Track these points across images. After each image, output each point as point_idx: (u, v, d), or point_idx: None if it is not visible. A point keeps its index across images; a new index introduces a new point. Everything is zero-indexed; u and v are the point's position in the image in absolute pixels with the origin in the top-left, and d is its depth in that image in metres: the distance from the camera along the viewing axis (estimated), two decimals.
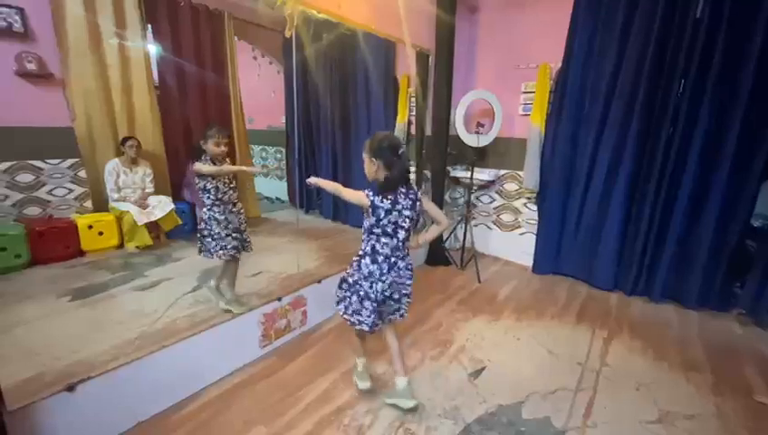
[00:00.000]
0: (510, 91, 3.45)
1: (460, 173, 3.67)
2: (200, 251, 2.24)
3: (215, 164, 2.13)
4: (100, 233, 3.15)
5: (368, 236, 1.58)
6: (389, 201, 1.50)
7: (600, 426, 1.70)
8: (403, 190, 1.53)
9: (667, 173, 2.78)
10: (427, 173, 3.59)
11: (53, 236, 2.93)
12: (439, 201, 3.53)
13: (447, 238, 3.77)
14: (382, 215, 1.50)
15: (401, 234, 1.56)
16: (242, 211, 2.32)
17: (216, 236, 2.17)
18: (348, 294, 1.65)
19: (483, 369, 2.07)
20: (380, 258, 1.56)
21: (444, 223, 1.66)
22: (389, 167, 1.50)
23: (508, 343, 2.33)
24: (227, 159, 2.26)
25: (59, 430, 1.38)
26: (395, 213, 1.51)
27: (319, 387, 1.89)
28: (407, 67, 3.55)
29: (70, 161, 3.18)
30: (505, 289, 3.11)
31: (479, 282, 3.22)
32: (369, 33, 2.77)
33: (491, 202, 3.81)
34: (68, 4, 2.92)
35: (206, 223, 2.18)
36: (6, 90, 2.76)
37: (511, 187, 3.65)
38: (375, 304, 1.58)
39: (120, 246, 3.25)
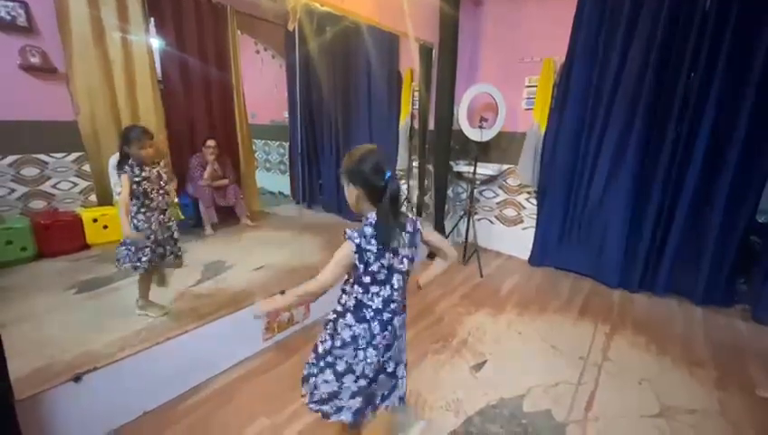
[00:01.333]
0: (513, 85, 3.43)
1: (463, 168, 3.66)
2: (117, 261, 2.09)
3: (142, 169, 1.99)
4: (105, 227, 3.17)
5: (351, 287, 1.16)
6: (374, 237, 1.10)
7: (602, 419, 1.71)
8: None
9: (672, 169, 2.77)
10: (430, 168, 3.58)
11: (59, 230, 2.96)
12: (442, 196, 3.52)
13: (450, 233, 3.76)
14: (372, 259, 1.10)
15: (397, 280, 1.16)
16: (172, 220, 2.18)
17: (132, 247, 2.03)
18: (314, 370, 1.20)
19: (485, 362, 2.07)
20: (369, 314, 1.15)
21: (452, 256, 1.29)
22: (373, 195, 1.11)
23: (510, 337, 2.33)
24: (161, 162, 2.13)
25: (66, 419, 1.40)
26: (388, 254, 1.12)
27: None
28: (410, 61, 3.53)
29: (74, 155, 3.20)
30: (508, 284, 3.12)
31: (481, 276, 3.23)
32: (372, 26, 2.76)
33: (494, 197, 3.80)
34: None
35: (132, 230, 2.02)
36: (11, 84, 2.77)
37: (513, 182, 3.64)
38: (363, 382, 1.17)
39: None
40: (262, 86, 5.17)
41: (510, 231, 3.75)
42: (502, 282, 3.15)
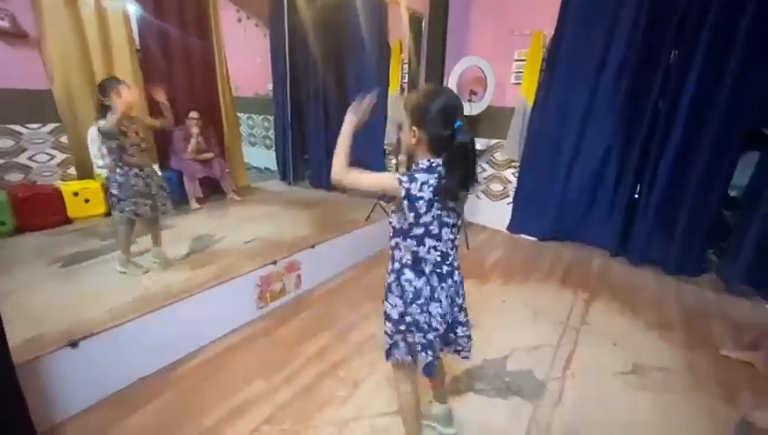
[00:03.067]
0: (503, 59, 3.43)
1: None
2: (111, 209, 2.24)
3: (122, 124, 2.05)
4: (87, 200, 3.09)
5: (402, 240, 1.09)
6: (432, 187, 1.00)
7: (579, 377, 1.83)
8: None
9: (652, 144, 2.86)
10: None
11: (38, 203, 2.87)
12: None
13: None
14: (423, 209, 1.03)
15: (448, 233, 1.08)
16: (152, 175, 2.26)
17: (117, 198, 2.16)
18: (398, 338, 1.16)
19: (472, 327, 2.17)
20: (428, 268, 1.10)
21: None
22: (436, 142, 1.01)
23: (495, 305, 2.43)
24: (136, 118, 2.19)
25: (64, 384, 1.43)
26: (437, 205, 1.03)
27: (315, 345, 1.97)
28: (399, 32, 3.48)
29: (50, 126, 3.08)
30: (493, 255, 3.21)
31: (467, 249, 3.26)
32: None
33: (481, 172, 3.85)
34: None
35: (109, 184, 2.17)
36: None
37: (501, 156, 3.69)
38: (431, 336, 1.11)
39: (109, 213, 3.21)
40: (244, 57, 5.00)
41: (496, 205, 3.83)
42: (487, 254, 3.24)
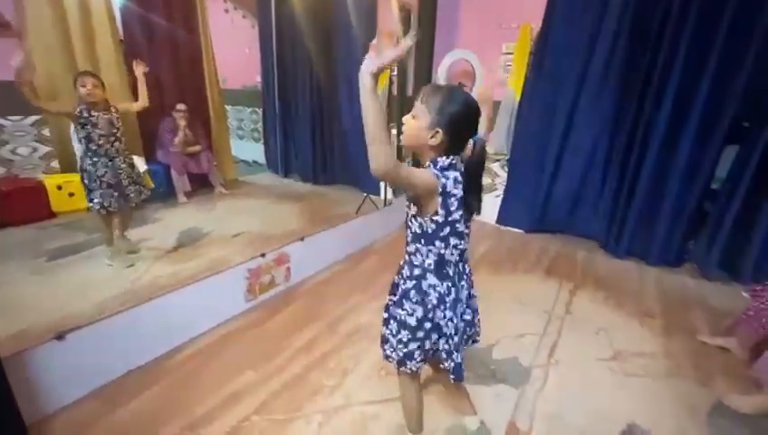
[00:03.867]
0: (491, 52, 3.44)
1: None
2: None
3: (90, 114, 2.13)
4: (71, 194, 3.05)
5: (426, 244, 1.04)
6: (460, 185, 1.00)
7: (562, 363, 1.88)
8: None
9: (636, 138, 2.91)
10: None
11: (21, 197, 2.83)
12: (418, 164, 3.57)
13: None
14: (454, 206, 1.00)
15: (466, 230, 1.08)
16: (122, 165, 2.29)
17: (87, 187, 2.21)
18: (414, 346, 1.10)
19: None
20: (451, 270, 1.08)
21: None
22: (456, 144, 0.99)
23: (482, 296, 2.45)
24: (113, 110, 2.25)
25: (53, 377, 1.42)
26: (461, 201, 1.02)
27: (305, 336, 1.99)
28: (389, 24, 3.46)
29: (32, 118, 3.02)
30: (481, 247, 3.26)
31: None
32: None
33: None
34: None
35: (83, 174, 2.23)
36: None
37: (489, 149, 3.72)
38: (453, 341, 1.10)
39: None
40: (232, 48, 4.94)
41: (484, 198, 3.86)
42: (475, 246, 3.28)
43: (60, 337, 1.41)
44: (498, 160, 3.70)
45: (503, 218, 3.66)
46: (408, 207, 1.07)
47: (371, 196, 3.51)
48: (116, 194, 2.27)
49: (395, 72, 3.64)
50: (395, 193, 3.70)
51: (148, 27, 3.60)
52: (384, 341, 1.20)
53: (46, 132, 3.11)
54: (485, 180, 3.83)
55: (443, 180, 0.97)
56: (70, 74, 3.07)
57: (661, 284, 2.77)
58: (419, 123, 0.99)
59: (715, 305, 2.47)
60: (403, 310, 1.10)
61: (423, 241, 1.05)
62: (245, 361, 1.79)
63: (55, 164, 3.20)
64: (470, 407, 1.39)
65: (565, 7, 2.97)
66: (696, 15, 2.53)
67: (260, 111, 5.14)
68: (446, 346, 1.10)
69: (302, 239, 2.47)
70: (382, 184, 3.74)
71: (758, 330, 1.82)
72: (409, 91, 3.42)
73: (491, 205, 3.79)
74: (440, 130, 0.96)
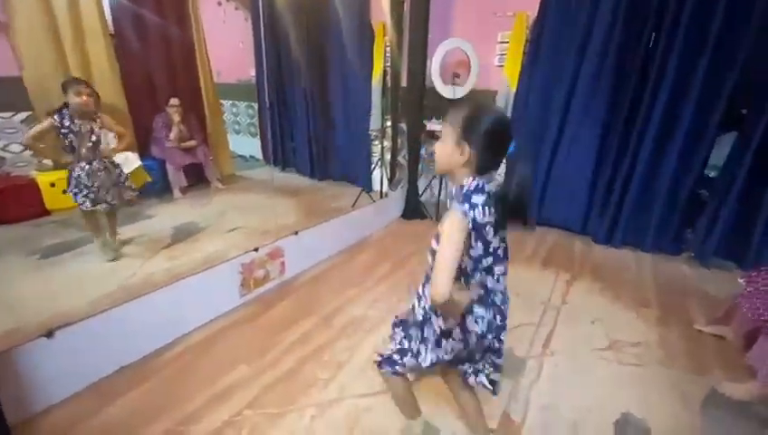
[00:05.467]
0: (486, 41, 3.40)
1: (436, 126, 3.66)
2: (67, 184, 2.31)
3: (73, 121, 2.14)
4: (65, 191, 3.02)
5: (469, 277, 0.99)
6: (490, 209, 0.93)
7: (557, 354, 1.88)
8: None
9: (633, 127, 2.89)
10: (404, 126, 3.57)
11: (14, 195, 2.81)
12: (416, 155, 3.54)
13: (423, 192, 3.82)
14: (491, 235, 0.95)
15: (508, 249, 1.04)
16: (102, 170, 2.31)
17: (73, 190, 2.25)
18: (436, 356, 1.07)
19: None
20: (497, 299, 1.04)
21: None
22: (487, 165, 0.94)
23: None
24: (97, 120, 2.26)
25: (42, 374, 1.42)
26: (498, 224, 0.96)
27: (299, 330, 1.98)
28: (381, 14, 3.41)
29: (23, 115, 2.98)
30: None
31: None
32: None
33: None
34: None
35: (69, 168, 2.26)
36: None
37: None
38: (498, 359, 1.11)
39: None
40: (226, 41, 4.87)
41: None
42: None
43: (49, 334, 1.40)
44: None
45: None
46: (437, 239, 0.95)
47: (367, 189, 3.49)
48: (91, 196, 2.28)
49: (389, 63, 3.59)
50: (391, 186, 3.69)
51: (139, 21, 3.54)
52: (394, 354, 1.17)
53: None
54: None
55: (471, 214, 0.90)
56: (59, 71, 3.05)
57: (658, 273, 2.75)
58: (446, 144, 0.95)
59: (712, 294, 2.47)
60: (440, 348, 1.05)
61: (463, 279, 0.99)
62: (239, 355, 1.79)
63: (48, 161, 3.17)
64: (482, 426, 1.32)
65: None
66: (692, 2, 2.49)
67: (255, 105, 5.10)
68: (498, 361, 1.13)
69: (296, 233, 2.46)
70: (376, 178, 3.72)
71: (754, 315, 1.81)
72: (403, 82, 3.38)
73: None
74: (467, 145, 0.92)
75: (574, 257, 2.96)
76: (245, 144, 5.51)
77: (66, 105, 2.13)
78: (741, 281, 1.91)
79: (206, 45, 3.98)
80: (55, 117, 2.11)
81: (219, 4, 4.86)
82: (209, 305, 2.02)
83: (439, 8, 3.43)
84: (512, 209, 0.94)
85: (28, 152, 3.06)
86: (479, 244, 0.94)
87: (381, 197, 3.45)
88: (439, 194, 3.53)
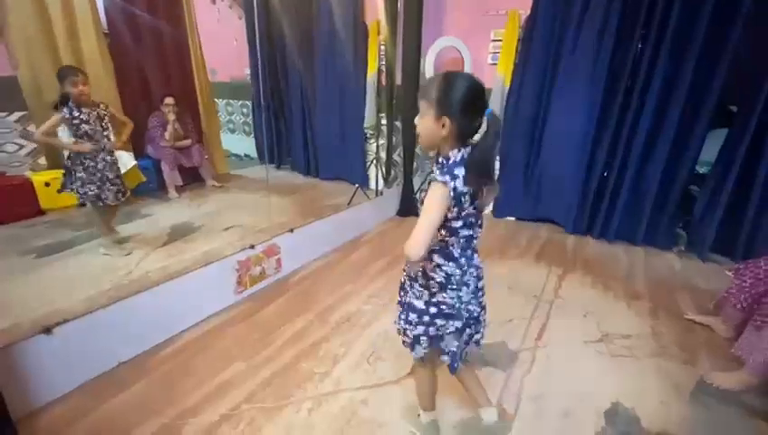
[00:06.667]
0: (479, 39, 3.42)
1: None
2: (62, 186, 2.31)
3: (80, 110, 2.14)
4: (60, 190, 3.02)
5: (438, 231, 1.05)
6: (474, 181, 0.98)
7: (550, 346, 1.91)
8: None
9: (626, 121, 2.93)
10: (398, 124, 3.59)
11: (8, 195, 2.81)
12: (411, 153, 3.57)
13: (419, 190, 3.85)
14: (468, 203, 1.00)
15: (480, 221, 1.09)
16: (105, 161, 2.30)
17: (78, 180, 2.23)
18: (420, 329, 1.13)
19: None
20: (456, 253, 1.07)
21: None
22: (466, 132, 0.96)
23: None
24: (101, 105, 2.26)
25: (41, 371, 1.43)
26: (479, 194, 1.01)
27: (295, 326, 2.00)
28: (375, 12, 3.43)
29: (17, 114, 2.98)
30: None
31: None
32: None
33: None
34: None
35: (68, 163, 2.24)
36: None
37: (479, 137, 3.71)
38: (459, 323, 1.12)
39: (82, 204, 3.15)
40: (220, 40, 4.86)
41: None
42: None
43: (47, 331, 1.41)
44: None
45: (496, 210, 3.66)
46: (421, 202, 1.05)
47: (363, 187, 3.51)
48: (93, 189, 2.27)
49: (383, 62, 3.61)
50: (386, 184, 3.71)
51: (133, 19, 3.54)
52: (401, 332, 1.21)
53: (32, 128, 3.07)
54: None
55: (451, 184, 0.95)
56: (53, 68, 3.04)
57: (649, 267, 2.80)
58: (426, 119, 0.98)
59: (702, 287, 2.51)
60: (411, 293, 1.14)
61: (440, 250, 1.07)
62: (235, 352, 1.81)
63: (42, 161, 3.17)
64: (485, 397, 1.36)
65: None
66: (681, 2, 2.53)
67: (249, 103, 5.10)
68: (452, 329, 1.12)
69: (291, 231, 2.47)
70: (372, 176, 3.74)
71: (741, 307, 1.85)
72: (398, 80, 3.40)
73: None
74: (447, 118, 0.94)
75: (567, 252, 3.00)
76: (240, 143, 5.51)
77: (67, 96, 2.12)
78: (728, 274, 1.95)
79: (201, 44, 3.98)
80: (64, 110, 2.10)
81: (213, 2, 4.85)
82: (206, 303, 2.03)
83: (432, 7, 3.46)
84: (478, 169, 0.96)
85: (23, 152, 3.06)
86: (455, 210, 1.00)
87: (377, 195, 3.47)
88: None
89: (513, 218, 3.62)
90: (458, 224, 1.03)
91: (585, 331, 2.04)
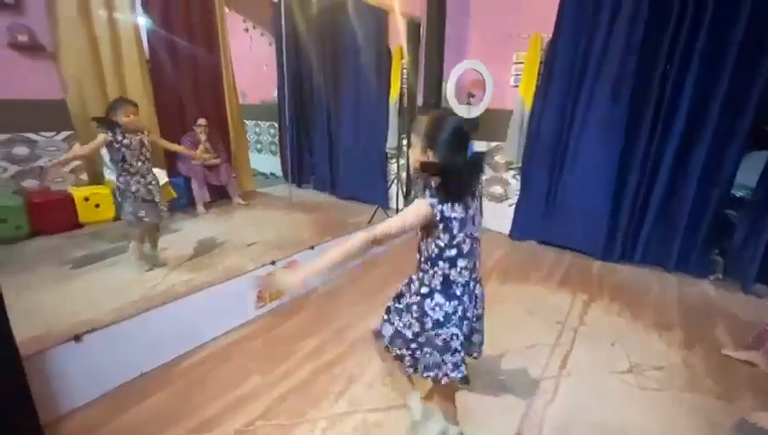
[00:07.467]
0: (501, 61, 3.46)
1: None
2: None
3: (124, 137, 2.25)
4: (97, 205, 3.20)
5: (432, 266, 1.12)
6: (462, 206, 1.06)
7: (574, 375, 1.83)
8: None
9: (651, 144, 2.86)
10: None
11: (51, 208, 2.99)
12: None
13: None
14: (457, 229, 1.06)
15: (477, 248, 1.15)
16: (152, 184, 2.42)
17: (126, 203, 2.33)
18: (405, 353, 1.23)
19: None
20: (459, 290, 1.13)
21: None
22: (448, 167, 1.04)
23: (490, 305, 2.42)
24: (144, 131, 2.38)
25: (69, 377, 1.49)
26: (469, 222, 1.08)
27: (312, 343, 2.01)
28: (399, 37, 3.54)
29: (64, 134, 3.20)
30: (491, 257, 3.22)
31: None
32: (360, 2, 2.76)
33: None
34: None
35: (117, 190, 2.36)
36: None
37: (500, 159, 3.71)
38: (458, 356, 1.15)
39: (117, 218, 3.32)
40: (251, 65, 5.13)
41: (496, 208, 3.83)
42: (486, 255, 3.25)
43: (77, 338, 1.47)
44: (510, 170, 3.68)
45: (516, 232, 3.60)
46: (417, 232, 1.13)
47: (382, 206, 3.54)
48: (144, 209, 2.38)
49: (405, 85, 3.70)
50: (406, 203, 3.72)
51: (172, 48, 3.79)
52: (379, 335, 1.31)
53: (77, 147, 3.29)
54: (498, 189, 3.80)
55: (439, 207, 1.03)
56: (99, 93, 3.28)
57: (682, 295, 2.66)
58: (415, 151, 1.11)
59: (741, 318, 2.36)
60: (401, 321, 1.21)
61: (429, 263, 1.13)
62: (253, 366, 1.82)
63: (84, 177, 3.37)
64: (453, 416, 1.37)
65: (576, 15, 2.96)
66: (712, 16, 2.49)
67: (277, 124, 5.30)
68: (453, 359, 1.15)
69: (312, 248, 2.51)
70: (393, 196, 3.77)
71: None
72: (419, 102, 3.47)
73: (503, 215, 3.75)
74: (431, 151, 1.05)
75: (592, 277, 2.90)
76: (267, 162, 5.70)
77: (115, 123, 2.23)
78: None
79: (233, 70, 4.20)
80: (108, 133, 2.22)
81: (246, 30, 5.15)
82: (225, 318, 2.08)
83: (454, 31, 3.53)
84: (463, 183, 1.05)
85: (67, 169, 3.28)
86: (446, 235, 1.07)
87: (397, 213, 3.49)
88: None
89: (534, 241, 3.54)
90: (453, 253, 1.09)
91: (613, 360, 1.95)
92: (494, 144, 3.70)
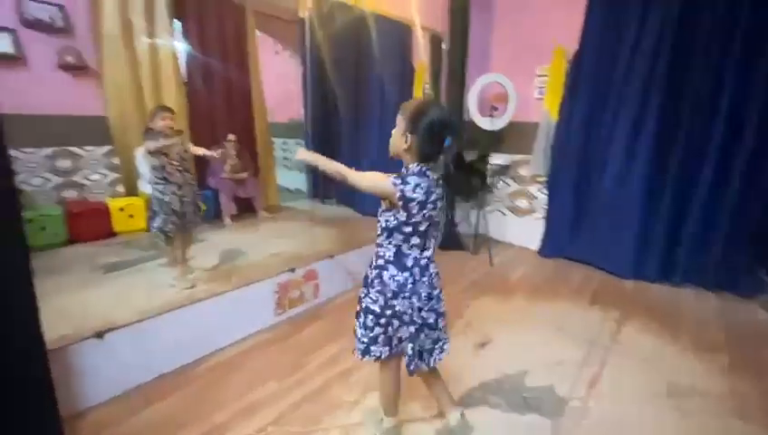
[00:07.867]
0: (524, 74, 3.44)
1: (472, 157, 3.67)
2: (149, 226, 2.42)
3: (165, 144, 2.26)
4: (131, 216, 3.35)
5: (389, 236, 1.17)
6: (423, 190, 1.11)
7: (605, 396, 1.70)
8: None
9: (687, 158, 2.72)
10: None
11: (88, 218, 3.15)
12: (454, 186, 3.55)
13: (460, 223, 3.78)
14: (416, 209, 1.12)
15: (435, 233, 1.20)
16: (186, 196, 2.40)
17: (154, 211, 2.32)
18: (378, 331, 1.22)
19: (489, 342, 2.09)
20: (409, 262, 1.18)
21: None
22: (427, 153, 1.12)
23: (517, 321, 2.33)
24: (180, 138, 2.39)
25: (90, 373, 1.52)
26: (429, 205, 1.13)
27: (328, 352, 1.98)
28: (422, 54, 3.59)
29: (104, 148, 3.40)
30: (518, 272, 3.11)
31: (491, 265, 3.23)
32: (383, 18, 2.83)
33: (505, 188, 3.80)
34: (104, 1, 3.14)
35: (153, 200, 2.35)
36: (49, 81, 3.00)
37: (526, 172, 3.63)
38: (412, 328, 1.20)
39: (148, 229, 3.45)
40: (280, 85, 5.34)
41: (522, 222, 3.73)
42: (512, 271, 3.14)
43: (99, 335, 1.51)
44: (538, 183, 3.59)
45: (546, 248, 3.47)
46: (380, 203, 1.20)
47: None
48: (180, 219, 2.39)
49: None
50: None
51: (207, 70, 4.01)
52: (354, 334, 1.30)
53: (115, 161, 3.49)
54: (523, 203, 3.71)
55: (401, 187, 1.10)
56: (138, 111, 3.50)
57: (726, 315, 2.46)
58: (396, 131, 1.17)
59: None
60: (368, 297, 1.23)
61: (386, 235, 1.19)
62: (269, 372, 1.81)
63: (120, 188, 3.56)
64: (449, 401, 1.42)
65: (601, 28, 2.93)
66: (747, 19, 2.40)
67: (303, 142, 5.44)
68: (406, 333, 1.21)
69: (331, 257, 2.51)
70: None
71: None
72: None
73: (529, 229, 3.64)
74: (410, 135, 1.12)
75: (625, 295, 2.73)
76: (294, 179, 5.83)
77: (150, 130, 2.29)
78: None
79: (263, 90, 4.39)
80: (148, 143, 2.25)
81: (277, 53, 5.39)
82: (245, 322, 2.09)
83: (477, 45, 3.55)
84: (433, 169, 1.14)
85: (106, 181, 3.47)
86: (404, 214, 1.13)
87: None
88: (476, 225, 3.47)
89: (563, 258, 3.40)
90: (408, 229, 1.15)
91: (649, 383, 1.80)
92: (518, 157, 3.64)
